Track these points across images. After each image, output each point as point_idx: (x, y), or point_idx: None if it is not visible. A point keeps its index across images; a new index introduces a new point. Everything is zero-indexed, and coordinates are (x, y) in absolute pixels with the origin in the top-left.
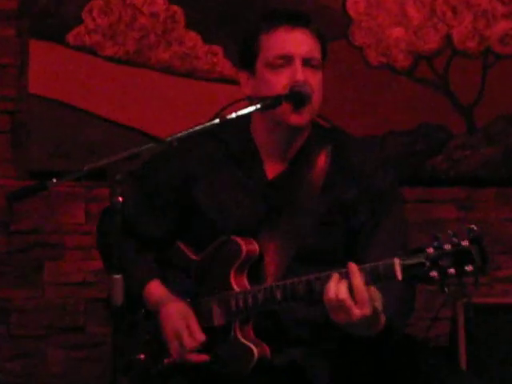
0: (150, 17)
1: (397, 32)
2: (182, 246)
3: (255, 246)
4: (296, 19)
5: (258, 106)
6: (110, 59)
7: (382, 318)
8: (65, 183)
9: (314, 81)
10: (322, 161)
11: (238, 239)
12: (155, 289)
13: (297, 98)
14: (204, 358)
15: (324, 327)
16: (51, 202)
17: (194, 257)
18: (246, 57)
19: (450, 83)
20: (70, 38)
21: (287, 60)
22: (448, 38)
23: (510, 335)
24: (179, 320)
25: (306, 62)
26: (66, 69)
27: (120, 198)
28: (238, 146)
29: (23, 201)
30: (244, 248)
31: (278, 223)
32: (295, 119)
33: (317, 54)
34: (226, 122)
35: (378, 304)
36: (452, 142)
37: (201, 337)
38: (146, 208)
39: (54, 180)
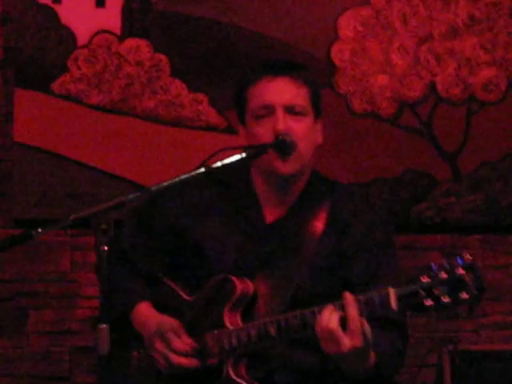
0: (135, 65)
1: (381, 80)
2: (174, 286)
3: (249, 286)
4: (277, 68)
5: (244, 154)
6: (95, 107)
7: (373, 355)
8: (49, 232)
9: (298, 128)
10: (322, 210)
11: (233, 278)
12: (145, 309)
13: (281, 146)
14: (194, 362)
15: (315, 376)
16: (36, 250)
17: (187, 297)
18: (238, 111)
19: (434, 130)
20: (55, 86)
21: (269, 110)
22: (432, 85)
23: (497, 382)
24: (167, 326)
25: (289, 110)
26: (51, 117)
27: (105, 247)
28: (237, 190)
29: (7, 250)
30: (239, 286)
31: (275, 267)
32: (282, 168)
33: (301, 101)
34: (211, 170)
35: (370, 338)
36: (437, 189)
37: (189, 340)
38: (142, 245)
39: (40, 229)
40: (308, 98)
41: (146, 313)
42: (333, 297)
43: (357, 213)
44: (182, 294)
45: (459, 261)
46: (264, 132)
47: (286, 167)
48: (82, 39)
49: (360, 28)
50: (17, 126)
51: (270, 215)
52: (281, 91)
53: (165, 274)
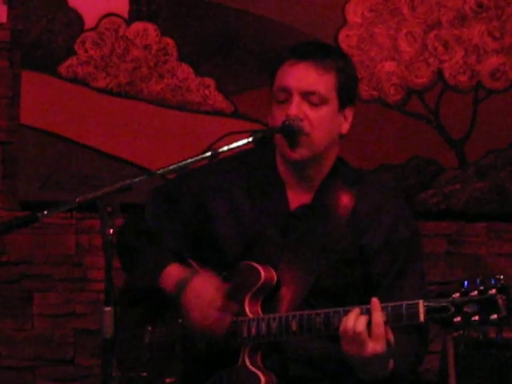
0: (142, 49)
1: (388, 66)
2: (198, 268)
3: (273, 274)
4: (303, 52)
5: (250, 139)
6: (102, 91)
7: (391, 362)
8: (55, 214)
9: (314, 116)
10: (347, 201)
11: (257, 265)
12: (175, 271)
13: (287, 131)
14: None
15: (327, 368)
16: (41, 232)
17: None
18: (270, 90)
19: (441, 117)
20: (62, 69)
21: (287, 94)
22: (439, 72)
23: (500, 370)
24: (206, 301)
25: (306, 97)
26: (57, 100)
27: (111, 231)
28: (263, 175)
29: (13, 232)
30: (262, 274)
31: (297, 255)
32: (291, 154)
33: (320, 88)
34: (218, 154)
35: (392, 345)
36: (443, 176)
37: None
38: (166, 224)
39: (45, 212)
40: (333, 85)
41: (178, 276)
42: (354, 289)
43: (383, 206)
44: None
45: (493, 281)
46: (280, 115)
47: (295, 153)
48: (89, 22)
49: (368, 14)
50: (23, 109)
51: (294, 202)
52: (300, 77)
53: (188, 254)
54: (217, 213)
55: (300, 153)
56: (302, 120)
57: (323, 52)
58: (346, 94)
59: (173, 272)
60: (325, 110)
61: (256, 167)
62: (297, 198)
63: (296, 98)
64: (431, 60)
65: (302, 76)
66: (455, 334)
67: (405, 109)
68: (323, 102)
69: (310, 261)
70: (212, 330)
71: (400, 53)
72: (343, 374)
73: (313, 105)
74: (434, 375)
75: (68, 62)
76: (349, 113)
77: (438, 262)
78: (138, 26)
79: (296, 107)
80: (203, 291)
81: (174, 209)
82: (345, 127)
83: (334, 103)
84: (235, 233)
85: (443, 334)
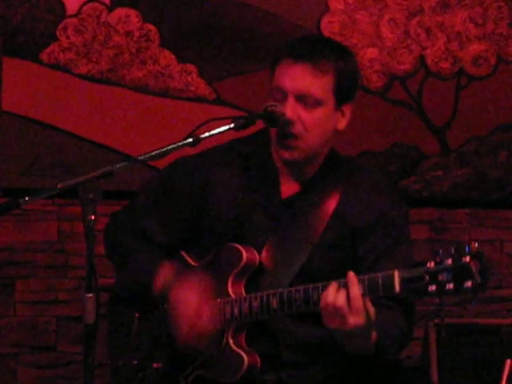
0: (124, 35)
1: (371, 53)
2: (183, 253)
3: (255, 256)
4: (300, 52)
5: (232, 125)
6: (83, 77)
7: (374, 334)
8: (37, 201)
9: (308, 118)
10: (336, 190)
11: (239, 246)
12: (164, 270)
13: (269, 117)
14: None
15: (322, 352)
16: (23, 219)
17: (194, 263)
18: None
19: (423, 104)
20: (44, 55)
21: (283, 94)
22: (421, 59)
23: (481, 356)
24: (192, 306)
25: (301, 99)
26: (39, 86)
27: (92, 217)
28: (257, 163)
29: None
30: (244, 255)
31: (285, 241)
32: (284, 155)
33: (316, 91)
34: (199, 141)
35: (372, 317)
36: (425, 163)
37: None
38: (156, 214)
39: (27, 198)
40: (330, 87)
41: (164, 278)
42: (340, 275)
43: (371, 201)
44: (189, 260)
45: (466, 249)
46: None
47: (287, 155)
48: (71, 8)
49: (350, 0)
50: (5, 95)
51: (286, 191)
52: (296, 79)
53: (177, 244)
54: (209, 201)
55: (292, 155)
56: (294, 122)
57: (321, 52)
58: (344, 93)
59: (162, 271)
60: (319, 112)
61: (251, 156)
62: (289, 186)
63: (291, 100)
64: (413, 46)
65: (298, 78)
66: (437, 321)
67: (387, 95)
68: (318, 103)
69: (296, 247)
70: (201, 334)
71: (382, 39)
72: (335, 359)
73: (307, 107)
74: (416, 361)
75: (50, 49)
76: (347, 109)
77: (420, 249)
78: (119, 12)
79: (291, 109)
80: (189, 300)
81: (168, 197)
82: (342, 124)
83: (330, 103)
84: (227, 218)
85: (425, 321)
